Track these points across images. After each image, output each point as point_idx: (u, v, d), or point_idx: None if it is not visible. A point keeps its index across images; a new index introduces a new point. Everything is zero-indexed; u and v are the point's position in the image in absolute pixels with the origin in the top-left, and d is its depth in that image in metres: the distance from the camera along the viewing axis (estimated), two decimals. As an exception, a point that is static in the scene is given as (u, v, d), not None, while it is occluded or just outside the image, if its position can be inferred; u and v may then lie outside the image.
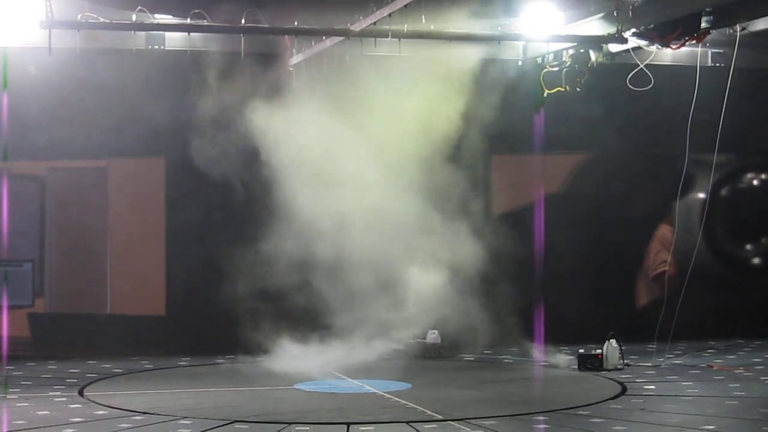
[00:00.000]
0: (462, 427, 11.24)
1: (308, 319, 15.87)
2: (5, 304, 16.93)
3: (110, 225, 17.87)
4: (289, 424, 11.42)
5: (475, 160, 16.62)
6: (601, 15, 14.73)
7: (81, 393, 13.41)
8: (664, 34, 14.20)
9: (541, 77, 15.99)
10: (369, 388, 13.76)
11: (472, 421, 11.48)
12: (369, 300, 15.67)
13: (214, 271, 16.30)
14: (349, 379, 14.38)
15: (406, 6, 13.06)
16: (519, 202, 18.19)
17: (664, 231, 18.43)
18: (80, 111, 16.42)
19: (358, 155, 15.57)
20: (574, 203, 18.20)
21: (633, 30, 14.25)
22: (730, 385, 13.72)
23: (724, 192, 18.43)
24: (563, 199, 18.28)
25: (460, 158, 16.27)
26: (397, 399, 12.94)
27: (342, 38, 14.49)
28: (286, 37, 15.55)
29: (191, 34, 14.70)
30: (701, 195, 17.90)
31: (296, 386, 13.96)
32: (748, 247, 18.66)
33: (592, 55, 15.46)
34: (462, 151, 16.27)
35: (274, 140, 15.66)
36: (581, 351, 15.40)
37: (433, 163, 15.89)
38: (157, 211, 17.49)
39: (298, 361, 15.04)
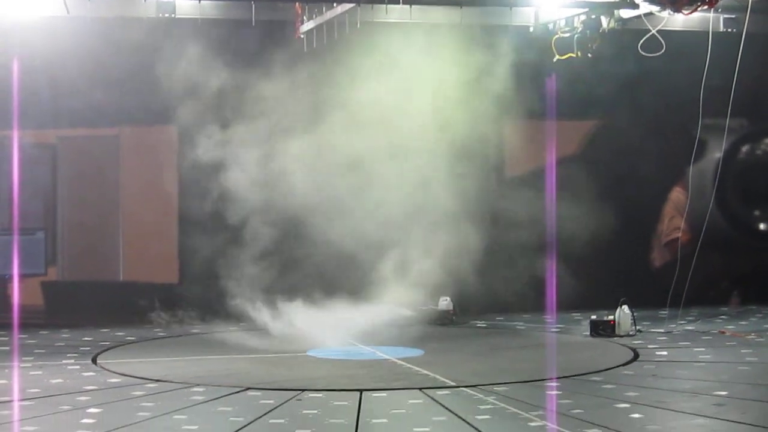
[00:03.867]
0: (475, 393, 11.25)
1: (319, 285, 15.85)
2: (17, 272, 16.97)
3: (122, 192, 17.88)
4: (302, 390, 11.44)
5: (487, 125, 16.56)
6: (613, -20, 14.67)
7: (94, 361, 13.46)
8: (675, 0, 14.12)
9: (553, 43, 15.93)
10: (381, 354, 13.79)
11: (485, 387, 11.50)
12: (379, 265, 15.67)
13: (228, 239, 16.28)
14: (362, 346, 14.40)
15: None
16: (531, 167, 18.15)
17: (677, 195, 18.38)
18: (90, 79, 16.35)
19: (367, 123, 15.52)
20: (586, 169, 18.12)
21: (645, -5, 14.19)
22: (743, 351, 13.72)
23: (736, 157, 18.39)
24: (575, 165, 18.22)
25: (472, 123, 16.21)
26: (409, 366, 12.96)
27: (353, 5, 14.43)
28: (297, 4, 15.50)
29: (201, 2, 14.66)
30: (714, 160, 17.83)
31: (308, 353, 14.00)
32: (757, 212, 18.63)
33: (604, 21, 15.40)
34: (474, 116, 16.20)
35: (285, 109, 15.62)
36: (593, 317, 15.39)
37: (445, 129, 15.85)
38: (170, 178, 17.48)
39: (309, 328, 15.03)
